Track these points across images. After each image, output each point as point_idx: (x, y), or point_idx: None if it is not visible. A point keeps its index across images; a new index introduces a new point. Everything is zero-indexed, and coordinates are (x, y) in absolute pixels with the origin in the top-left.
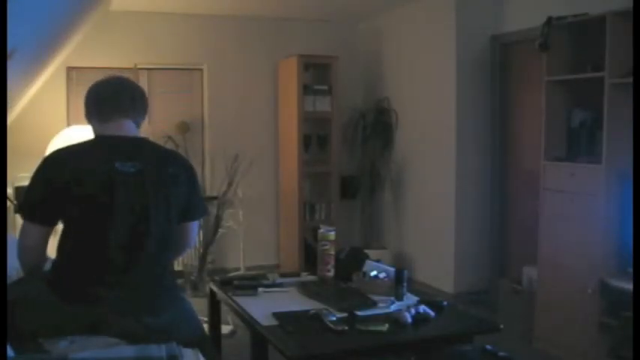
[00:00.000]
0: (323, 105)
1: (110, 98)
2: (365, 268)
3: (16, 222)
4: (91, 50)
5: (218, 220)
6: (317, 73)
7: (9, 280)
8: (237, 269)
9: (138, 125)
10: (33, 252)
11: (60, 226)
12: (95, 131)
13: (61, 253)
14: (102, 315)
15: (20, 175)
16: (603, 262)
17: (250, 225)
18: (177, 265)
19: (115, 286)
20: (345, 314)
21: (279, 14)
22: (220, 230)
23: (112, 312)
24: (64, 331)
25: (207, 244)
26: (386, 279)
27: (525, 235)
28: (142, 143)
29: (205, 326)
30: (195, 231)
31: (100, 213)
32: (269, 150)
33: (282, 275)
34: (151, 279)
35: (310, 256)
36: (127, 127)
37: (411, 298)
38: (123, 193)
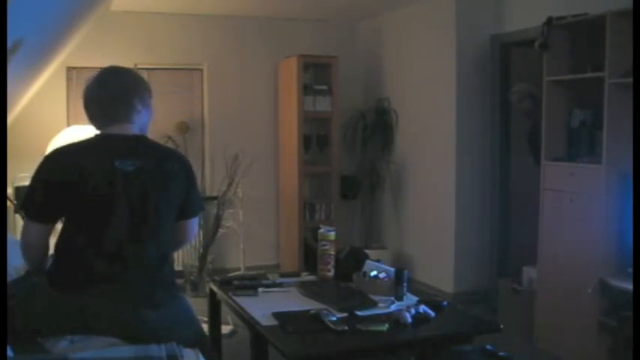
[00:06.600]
0: (323, 105)
1: (105, 99)
2: (365, 268)
3: (16, 222)
4: (91, 50)
5: (218, 220)
6: (317, 73)
7: (8, 279)
8: (237, 269)
9: (141, 121)
10: (35, 249)
11: (60, 224)
12: (97, 129)
13: (61, 248)
14: (101, 307)
15: (20, 175)
16: (603, 262)
17: (250, 225)
18: (178, 265)
19: (114, 280)
20: (345, 314)
21: (279, 14)
22: (220, 230)
23: (111, 303)
24: (62, 324)
25: (207, 244)
26: (386, 279)
27: (525, 235)
28: (141, 141)
29: (205, 326)
30: (194, 228)
31: (100, 210)
32: (269, 150)
33: (282, 275)
34: (149, 274)
35: (310, 256)
36: (126, 126)
37: (411, 298)
38: (122, 190)
